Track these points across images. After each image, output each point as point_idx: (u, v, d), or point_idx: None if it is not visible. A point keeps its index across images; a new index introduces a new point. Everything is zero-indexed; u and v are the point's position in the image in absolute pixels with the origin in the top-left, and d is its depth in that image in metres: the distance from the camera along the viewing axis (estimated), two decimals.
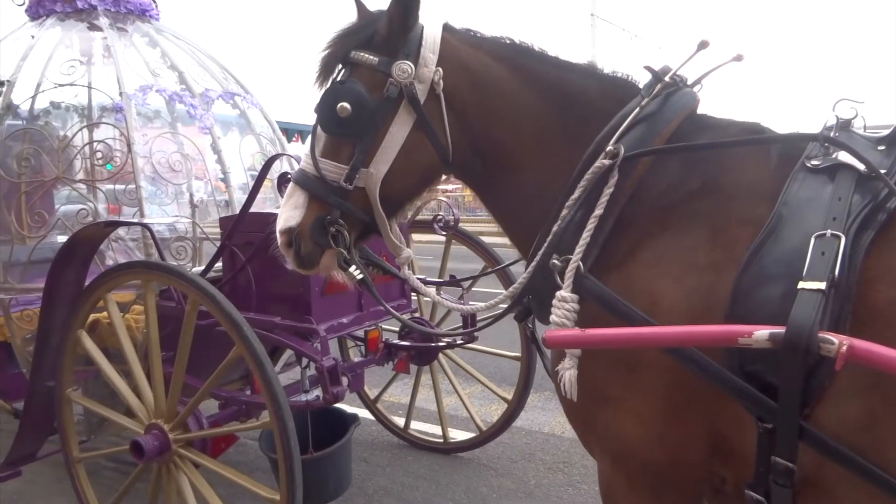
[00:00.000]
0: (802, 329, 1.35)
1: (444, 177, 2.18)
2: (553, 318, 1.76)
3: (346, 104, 1.96)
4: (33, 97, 4.08)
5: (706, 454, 1.68)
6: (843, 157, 1.57)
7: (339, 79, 2.03)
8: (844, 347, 1.28)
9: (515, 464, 4.29)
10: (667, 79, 1.91)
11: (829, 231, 1.45)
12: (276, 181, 2.90)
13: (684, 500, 1.77)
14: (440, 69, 1.95)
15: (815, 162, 1.61)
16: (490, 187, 2.09)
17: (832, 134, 1.62)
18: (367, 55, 2.00)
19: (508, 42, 2.03)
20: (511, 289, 2.16)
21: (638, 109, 1.85)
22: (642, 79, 1.98)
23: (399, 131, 1.99)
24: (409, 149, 2.00)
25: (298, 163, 2.88)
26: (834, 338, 1.31)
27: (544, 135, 1.95)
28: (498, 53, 2.01)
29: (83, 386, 3.85)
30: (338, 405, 3.28)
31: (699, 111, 1.97)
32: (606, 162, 1.80)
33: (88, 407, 3.25)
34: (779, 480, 1.51)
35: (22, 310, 3.68)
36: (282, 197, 2.92)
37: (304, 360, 3.27)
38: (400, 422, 4.71)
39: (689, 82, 1.97)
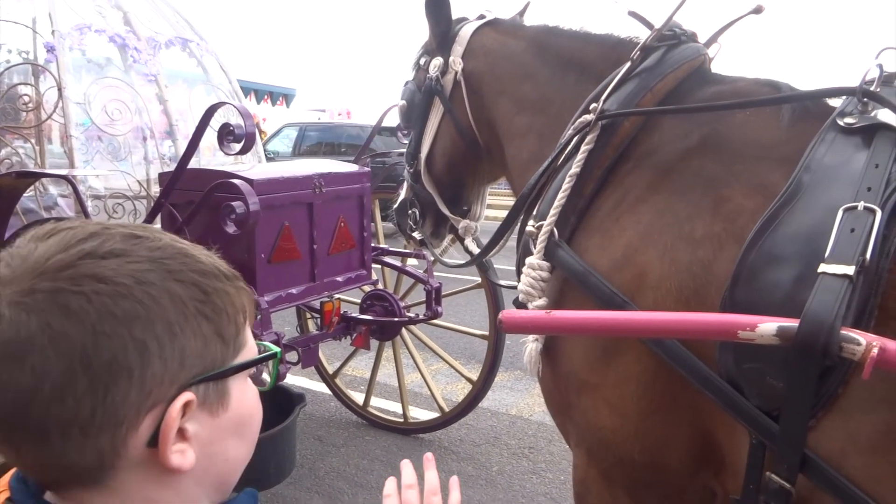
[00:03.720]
0: (821, 324, 1.08)
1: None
2: (519, 286, 1.66)
3: (403, 101, 2.37)
4: None
5: (693, 462, 1.42)
6: (885, 115, 1.28)
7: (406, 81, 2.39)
8: (875, 350, 1.00)
9: (478, 448, 4.04)
10: (660, 29, 1.74)
11: (861, 203, 1.16)
12: (217, 133, 2.56)
13: None
14: (461, 59, 2.16)
15: (849, 120, 1.31)
16: (504, 162, 2.15)
17: (873, 88, 1.32)
18: (420, 58, 2.33)
19: (543, 25, 2.09)
20: (478, 254, 2.27)
21: (629, 65, 1.73)
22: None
23: (434, 119, 2.26)
24: (440, 134, 2.26)
25: (241, 112, 2.58)
26: (861, 337, 1.04)
27: (544, 100, 1.97)
28: (525, 34, 2.10)
29: None
30: (283, 383, 3.01)
31: (712, 69, 1.80)
32: (586, 118, 1.68)
33: None
34: (771, 502, 1.25)
35: None
36: (223, 150, 2.62)
37: None
38: (359, 398, 4.43)
39: (697, 38, 1.82)
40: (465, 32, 2.19)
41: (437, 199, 2.34)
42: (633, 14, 1.91)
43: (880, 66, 1.37)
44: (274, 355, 0.78)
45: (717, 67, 1.88)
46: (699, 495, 1.48)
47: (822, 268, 1.13)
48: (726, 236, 1.33)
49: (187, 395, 0.65)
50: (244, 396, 0.73)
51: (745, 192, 1.36)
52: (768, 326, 1.11)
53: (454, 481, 1.02)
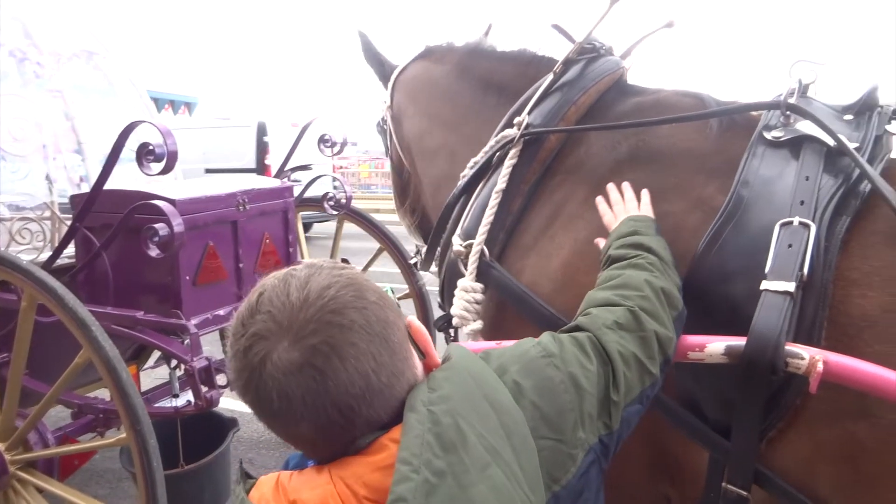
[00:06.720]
0: (767, 341, 1.12)
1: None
2: (453, 309, 1.64)
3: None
4: None
5: (648, 473, 1.44)
6: (807, 128, 1.34)
7: None
8: (819, 364, 1.05)
9: None
10: (582, 42, 1.79)
11: (796, 218, 1.20)
12: (136, 153, 2.44)
13: None
14: (390, 92, 2.24)
15: (776, 133, 1.37)
16: (420, 182, 2.16)
17: (792, 101, 1.38)
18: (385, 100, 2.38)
19: (471, 46, 2.10)
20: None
21: (551, 77, 1.74)
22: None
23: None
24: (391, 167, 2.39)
25: (162, 131, 2.47)
26: (804, 351, 1.09)
27: (460, 119, 1.97)
28: (452, 58, 2.10)
29: None
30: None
31: (629, 81, 1.85)
32: (509, 132, 1.69)
33: None
34: None
35: None
36: (143, 171, 2.50)
37: (174, 360, 2.85)
38: None
39: (613, 51, 1.88)
40: (398, 68, 2.25)
41: (406, 226, 2.43)
42: (556, 27, 1.94)
43: (799, 80, 1.44)
44: None
45: (633, 79, 1.94)
46: (652, 501, 1.50)
47: (765, 285, 1.17)
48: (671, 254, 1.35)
49: None
50: None
51: (684, 207, 1.39)
52: (716, 346, 1.15)
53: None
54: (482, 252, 1.60)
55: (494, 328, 1.59)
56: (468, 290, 1.60)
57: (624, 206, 1.43)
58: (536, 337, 1.45)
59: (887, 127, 1.37)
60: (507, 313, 1.57)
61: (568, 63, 1.77)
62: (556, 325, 1.41)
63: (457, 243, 1.67)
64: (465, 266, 1.63)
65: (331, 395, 0.80)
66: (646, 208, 1.42)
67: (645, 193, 1.44)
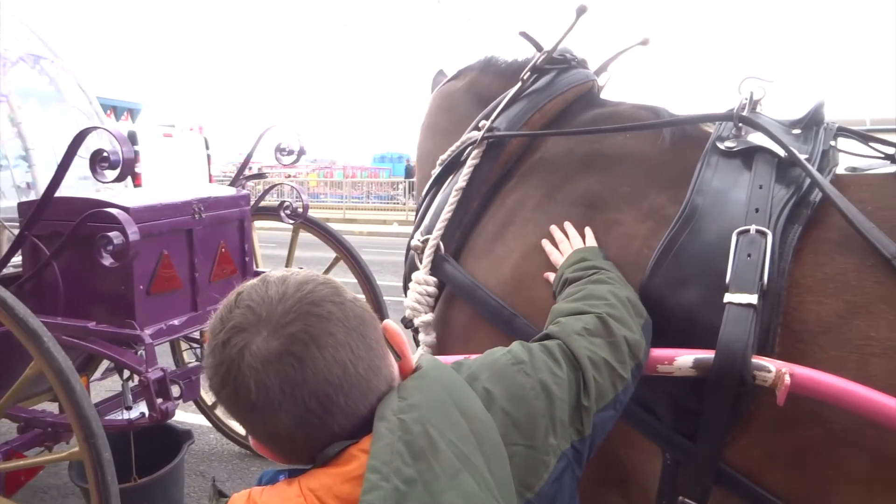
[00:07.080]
0: (734, 354, 1.14)
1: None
2: (406, 301, 1.68)
3: None
4: None
5: (592, 481, 1.45)
6: (758, 139, 1.40)
7: None
8: (787, 377, 1.09)
9: None
10: (550, 52, 1.81)
11: (752, 227, 1.24)
12: (89, 160, 2.39)
13: None
14: None
15: (728, 144, 1.42)
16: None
17: (745, 113, 1.44)
18: None
19: (484, 63, 2.14)
20: None
21: (520, 85, 1.79)
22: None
23: None
24: None
25: (118, 138, 2.43)
26: (771, 364, 1.12)
27: (451, 128, 2.03)
28: (468, 76, 2.16)
29: None
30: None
31: (601, 95, 1.91)
32: (473, 134, 1.75)
33: None
34: None
35: None
36: (97, 178, 2.46)
37: (127, 371, 2.79)
38: (242, 429, 4.27)
39: (587, 65, 1.92)
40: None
41: None
42: (523, 35, 1.97)
43: (751, 94, 1.50)
44: None
45: (611, 94, 1.98)
46: None
47: (728, 297, 1.19)
48: (620, 262, 1.38)
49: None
50: None
51: (636, 216, 1.42)
52: (685, 360, 1.17)
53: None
54: (437, 246, 1.63)
55: (445, 322, 1.61)
56: (421, 283, 1.63)
57: (569, 242, 1.47)
58: (487, 334, 1.49)
59: (832, 143, 1.44)
60: (459, 308, 1.59)
61: (538, 71, 1.80)
62: (507, 320, 1.45)
63: (415, 238, 1.70)
64: (421, 260, 1.66)
65: (309, 384, 0.80)
66: (591, 242, 1.46)
67: (588, 230, 1.48)
